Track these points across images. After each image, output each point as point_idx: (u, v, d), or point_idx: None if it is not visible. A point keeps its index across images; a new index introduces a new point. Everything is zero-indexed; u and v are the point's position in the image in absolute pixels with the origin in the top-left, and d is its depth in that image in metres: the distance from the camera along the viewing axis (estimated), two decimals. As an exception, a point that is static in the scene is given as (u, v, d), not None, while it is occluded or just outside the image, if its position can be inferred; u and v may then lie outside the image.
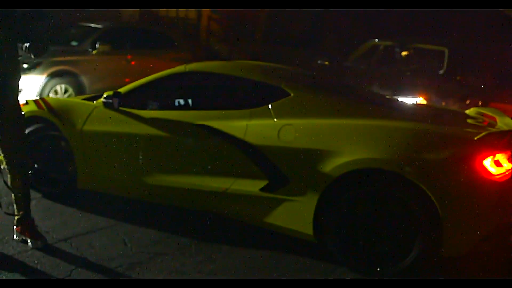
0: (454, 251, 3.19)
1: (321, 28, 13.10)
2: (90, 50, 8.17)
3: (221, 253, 3.54)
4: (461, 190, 3.11)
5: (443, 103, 6.80)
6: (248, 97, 3.98)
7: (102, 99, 4.14)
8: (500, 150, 3.14)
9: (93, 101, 4.36)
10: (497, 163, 3.12)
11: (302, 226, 3.44)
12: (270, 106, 3.67)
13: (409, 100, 6.32)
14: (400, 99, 5.94)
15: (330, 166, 3.30)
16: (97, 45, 8.14)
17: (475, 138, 3.16)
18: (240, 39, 13.86)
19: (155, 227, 3.92)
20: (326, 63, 8.18)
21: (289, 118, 3.57)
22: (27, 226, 3.51)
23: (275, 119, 3.60)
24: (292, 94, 3.71)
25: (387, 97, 4.70)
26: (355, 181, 3.31)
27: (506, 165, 3.15)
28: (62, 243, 3.57)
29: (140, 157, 3.98)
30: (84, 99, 4.61)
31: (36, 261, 3.31)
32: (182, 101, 4.39)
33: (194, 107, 4.29)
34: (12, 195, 3.52)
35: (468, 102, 6.79)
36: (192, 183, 3.80)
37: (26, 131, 4.28)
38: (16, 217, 3.52)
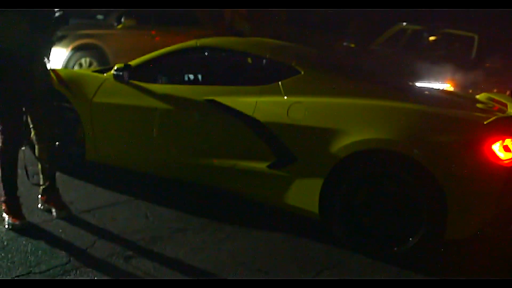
0: (458, 234, 3.19)
1: (346, 10, 12.89)
2: (115, 24, 8.18)
3: (241, 232, 3.55)
4: (469, 173, 3.10)
5: (470, 91, 6.67)
6: (259, 74, 3.98)
7: (112, 72, 4.13)
8: (510, 135, 3.13)
9: (103, 73, 4.36)
10: (506, 148, 3.11)
11: (308, 204, 3.44)
12: (280, 83, 3.66)
13: (436, 86, 6.22)
14: (427, 85, 5.86)
15: (338, 145, 3.30)
16: (122, 20, 8.14)
17: (485, 123, 3.15)
18: (265, 19, 13.72)
19: (177, 203, 3.95)
20: (352, 45, 8.08)
21: (298, 96, 3.57)
22: (52, 196, 3.57)
23: (285, 97, 3.59)
24: (302, 72, 3.70)
25: (398, 79, 4.65)
26: (362, 161, 3.31)
27: None
28: (85, 214, 3.62)
29: (148, 131, 3.98)
30: (95, 71, 4.62)
31: (60, 230, 3.36)
32: (192, 76, 4.40)
33: (204, 82, 4.30)
34: (39, 165, 3.59)
35: (495, 90, 6.66)
36: (200, 158, 3.81)
37: None
38: (41, 187, 3.59)
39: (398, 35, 8.18)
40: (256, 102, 3.62)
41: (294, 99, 3.55)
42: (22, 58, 3.24)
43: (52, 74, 4.39)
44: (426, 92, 4.15)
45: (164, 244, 3.30)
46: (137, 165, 4.15)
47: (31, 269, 2.91)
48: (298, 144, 3.46)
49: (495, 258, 3.41)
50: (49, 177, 3.57)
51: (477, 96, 4.16)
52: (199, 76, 4.36)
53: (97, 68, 4.98)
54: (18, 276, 2.83)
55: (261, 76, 3.90)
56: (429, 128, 3.26)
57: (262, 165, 3.57)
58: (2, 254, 3.02)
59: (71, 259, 3.04)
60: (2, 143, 3.30)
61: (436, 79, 6.28)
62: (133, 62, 4.21)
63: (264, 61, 3.93)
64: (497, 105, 3.80)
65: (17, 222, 3.32)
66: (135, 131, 4.07)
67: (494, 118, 3.20)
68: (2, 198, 3.40)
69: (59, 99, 4.20)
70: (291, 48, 4.54)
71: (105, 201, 3.87)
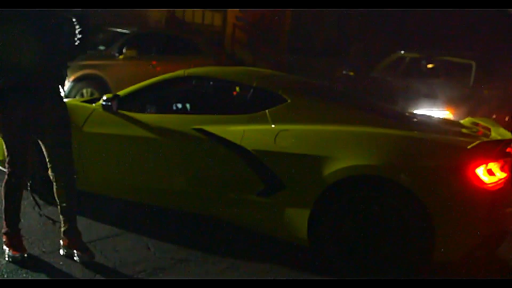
0: (446, 257, 3.22)
1: (345, 38, 13.08)
2: (116, 54, 8.28)
3: (243, 262, 3.53)
4: (454, 197, 3.17)
5: (469, 117, 6.71)
6: (246, 102, 4.03)
7: (101, 102, 4.16)
8: (493, 159, 3.19)
9: (92, 103, 4.39)
10: (490, 172, 3.17)
11: (297, 231, 3.46)
12: (267, 111, 3.71)
13: (435, 113, 6.26)
14: (426, 112, 5.90)
15: (326, 172, 3.33)
16: (123, 50, 8.25)
17: (469, 147, 3.22)
18: (265, 47, 13.90)
19: (177, 233, 3.94)
20: (351, 73, 8.15)
21: (286, 124, 3.62)
22: (73, 239, 3.36)
23: (272, 125, 3.63)
24: (289, 100, 3.75)
25: (384, 105, 4.73)
26: (349, 187, 3.34)
27: (499, 174, 3.20)
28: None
29: (137, 160, 4.01)
30: (83, 101, 4.64)
31: (61, 262, 3.34)
32: (180, 105, 4.45)
33: (192, 112, 4.35)
34: (58, 205, 3.37)
35: (494, 116, 6.70)
36: (188, 186, 3.84)
37: None
38: (62, 230, 3.39)
39: (397, 63, 8.27)
40: (244, 130, 3.65)
41: (281, 127, 3.60)
42: (29, 82, 3.09)
43: None
44: (412, 118, 4.22)
45: (166, 276, 3.28)
46: (126, 194, 4.15)
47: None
48: (286, 171, 3.49)
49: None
50: (69, 218, 3.35)
51: (462, 121, 4.25)
52: (187, 105, 4.41)
53: (86, 99, 5.00)
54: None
55: (248, 104, 3.96)
56: (414, 154, 3.33)
57: (250, 193, 3.59)
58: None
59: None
60: (8, 175, 3.23)
61: (435, 107, 6.32)
62: (121, 92, 4.25)
63: (251, 90, 3.99)
64: (481, 129, 3.87)
65: (17, 255, 3.24)
66: (124, 161, 4.07)
67: (477, 142, 3.27)
68: (3, 230, 3.32)
69: None
70: (277, 76, 4.63)
71: (106, 232, 3.86)
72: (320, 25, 13.97)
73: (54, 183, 3.32)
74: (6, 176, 3.23)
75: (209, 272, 3.36)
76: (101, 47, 8.51)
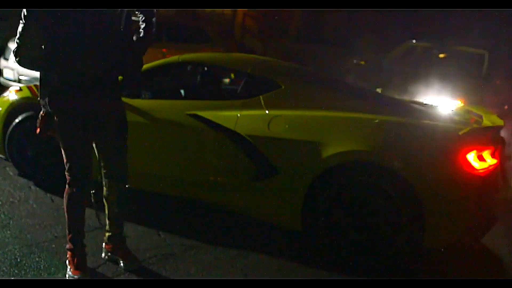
0: (435, 243, 3.26)
1: (356, 27, 12.97)
2: (127, 42, 8.26)
3: (253, 249, 3.54)
4: (445, 183, 3.18)
5: (481, 108, 6.65)
6: (240, 88, 4.03)
7: None
8: (484, 145, 3.22)
9: None
10: (481, 158, 3.19)
11: (290, 216, 3.49)
12: (261, 97, 3.72)
13: (446, 103, 6.21)
14: (437, 102, 5.85)
15: (319, 157, 3.36)
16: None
17: (460, 133, 3.28)
18: (275, 36, 13.83)
19: (188, 220, 3.96)
20: (362, 62, 8.10)
21: (279, 110, 3.62)
22: (119, 245, 3.20)
23: (266, 111, 3.64)
24: (283, 86, 3.76)
25: (377, 92, 4.72)
26: (342, 173, 3.36)
27: (489, 160, 3.22)
28: (97, 232, 3.61)
29: (131, 145, 3.99)
30: None
31: (73, 248, 3.37)
32: (175, 91, 4.44)
33: (186, 97, 4.34)
34: (106, 210, 3.20)
35: (506, 107, 6.64)
36: (182, 171, 3.84)
37: (19, 118, 4.31)
38: (107, 235, 3.23)
39: (408, 53, 8.20)
40: (238, 116, 3.66)
41: (275, 112, 3.61)
42: (86, 80, 2.80)
43: (34, 89, 4.27)
44: (405, 105, 4.23)
45: (176, 261, 3.30)
46: None
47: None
48: (279, 156, 3.51)
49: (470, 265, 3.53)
50: (117, 223, 3.18)
51: (455, 109, 4.29)
52: (182, 91, 4.42)
53: None
54: (31, 293, 2.84)
55: (242, 90, 3.97)
56: (406, 140, 3.34)
57: (244, 178, 3.61)
58: (16, 271, 3.04)
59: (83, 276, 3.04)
60: (69, 184, 2.95)
61: (447, 96, 6.27)
62: None
63: (245, 76, 4.01)
64: (473, 117, 3.91)
65: (77, 276, 2.93)
66: None
67: (468, 128, 3.33)
68: (67, 246, 3.02)
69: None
70: (271, 63, 4.65)
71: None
72: (331, 15, 13.86)
73: (105, 188, 3.12)
74: (66, 186, 2.96)
75: (219, 259, 3.37)
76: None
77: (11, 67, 7.66)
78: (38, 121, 2.95)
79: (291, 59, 12.84)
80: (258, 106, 3.69)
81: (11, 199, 4.10)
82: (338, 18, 13.91)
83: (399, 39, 8.72)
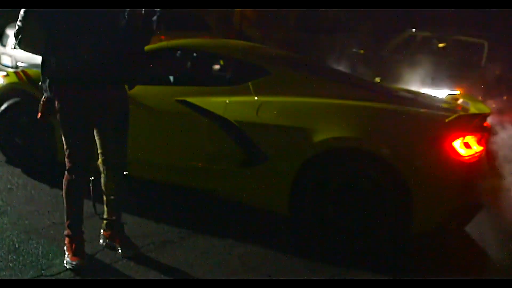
0: (423, 227, 3.30)
1: (355, 16, 12.91)
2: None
3: (250, 237, 3.54)
4: (432, 169, 3.23)
5: (479, 98, 6.63)
6: (229, 74, 4.04)
7: None
8: (470, 133, 3.26)
9: None
10: (467, 145, 3.24)
11: (278, 202, 3.52)
12: (250, 83, 3.72)
13: (445, 92, 6.20)
14: (436, 91, 5.84)
15: (308, 143, 3.38)
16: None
17: (446, 120, 3.29)
18: (273, 25, 13.76)
19: (186, 208, 3.97)
20: (361, 51, 8.08)
21: (268, 96, 3.64)
22: (117, 232, 3.19)
23: (255, 97, 3.64)
24: (271, 73, 3.78)
25: (366, 80, 4.76)
26: (331, 158, 3.40)
27: (475, 147, 3.27)
28: (94, 219, 3.60)
29: None
30: None
31: (70, 234, 3.37)
32: (163, 77, 4.42)
33: (175, 83, 4.33)
34: (104, 197, 3.19)
35: (505, 97, 6.63)
36: (171, 158, 3.85)
37: (6, 105, 4.30)
38: (104, 222, 3.23)
39: (408, 42, 8.18)
40: (227, 102, 3.66)
41: (263, 99, 3.62)
42: (91, 72, 2.79)
43: (21, 74, 4.24)
44: (393, 92, 4.25)
45: (174, 248, 3.31)
46: None
47: (42, 271, 2.93)
48: (268, 143, 3.53)
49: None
50: (115, 210, 3.17)
51: (443, 96, 4.33)
52: (171, 77, 4.41)
53: None
54: (29, 279, 2.85)
55: (231, 76, 3.98)
56: (394, 126, 3.37)
57: (233, 164, 3.62)
58: (14, 257, 3.04)
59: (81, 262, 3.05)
60: (68, 170, 2.93)
61: (445, 86, 6.26)
62: None
63: (234, 62, 4.01)
64: (460, 104, 3.96)
65: (75, 262, 2.93)
66: None
67: (455, 116, 3.34)
68: (65, 232, 3.03)
69: (27, 101, 4.17)
70: (260, 49, 4.65)
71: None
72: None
73: (104, 175, 3.13)
74: (66, 173, 2.95)
75: (216, 246, 3.38)
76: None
77: (9, 54, 7.62)
78: (40, 105, 2.94)
79: (290, 48, 12.79)
80: (247, 92, 3.69)
81: (9, 186, 4.10)
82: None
83: (399, 28, 8.69)
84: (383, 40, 8.63)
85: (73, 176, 2.92)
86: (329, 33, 11.81)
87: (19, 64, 7.43)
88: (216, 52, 4.29)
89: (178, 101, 3.77)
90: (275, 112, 3.53)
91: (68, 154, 2.90)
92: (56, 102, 2.86)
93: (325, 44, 10.53)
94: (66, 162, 2.93)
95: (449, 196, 3.26)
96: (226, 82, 3.93)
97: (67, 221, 3.02)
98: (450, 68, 6.57)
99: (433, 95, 4.55)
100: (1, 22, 8.02)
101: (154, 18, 2.92)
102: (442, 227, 3.40)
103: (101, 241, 3.25)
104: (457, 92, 6.34)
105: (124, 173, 3.13)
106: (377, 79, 5.07)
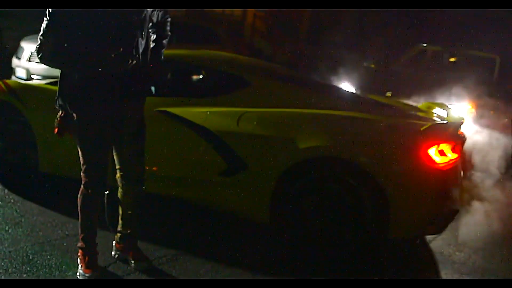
0: (401, 234, 3.41)
1: (366, 30, 12.95)
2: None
3: (261, 249, 3.56)
4: (408, 177, 3.31)
5: (492, 112, 6.62)
6: (210, 85, 4.08)
7: None
8: (445, 141, 3.35)
9: (57, 85, 4.34)
10: (441, 153, 3.32)
11: (259, 210, 3.57)
12: (231, 94, 3.80)
13: (456, 107, 6.19)
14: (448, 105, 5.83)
15: (287, 153, 3.44)
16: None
17: (422, 129, 3.37)
18: (284, 38, 13.84)
19: (197, 221, 3.98)
20: (372, 66, 8.10)
21: (248, 107, 3.68)
22: (131, 245, 3.19)
23: (235, 108, 3.68)
24: (252, 83, 3.84)
25: (345, 90, 4.83)
26: (310, 167, 3.44)
27: (450, 155, 3.36)
28: (106, 231, 3.64)
29: None
30: (48, 84, 4.53)
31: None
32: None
33: (156, 94, 4.29)
34: (120, 211, 3.18)
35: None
36: (152, 167, 3.84)
37: None
38: (118, 234, 3.23)
39: (419, 56, 8.19)
40: (208, 112, 3.70)
41: (244, 109, 3.66)
42: (110, 87, 2.77)
43: (1, 84, 4.21)
44: (371, 102, 4.30)
45: (186, 262, 3.32)
46: None
47: (55, 283, 2.95)
48: (248, 152, 3.57)
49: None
50: (131, 224, 3.17)
51: (419, 105, 4.42)
52: (152, 88, 4.40)
53: (51, 81, 4.87)
54: (43, 290, 2.87)
55: (212, 87, 4.02)
56: (371, 135, 3.44)
57: (213, 174, 3.66)
58: (28, 268, 3.07)
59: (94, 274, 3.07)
60: (84, 185, 2.93)
61: (457, 100, 6.26)
62: None
63: (215, 73, 4.06)
64: (436, 113, 4.03)
65: (88, 274, 2.94)
66: None
67: (430, 124, 3.42)
68: (79, 244, 3.03)
69: (9, 112, 4.18)
70: (241, 60, 4.71)
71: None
72: (341, 17, 13.85)
73: (121, 190, 3.12)
74: (81, 187, 2.95)
75: (227, 259, 3.38)
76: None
77: (24, 66, 7.73)
78: (56, 121, 2.96)
79: (300, 61, 12.84)
80: (227, 103, 3.74)
81: (22, 197, 4.13)
82: (348, 20, 13.89)
83: (410, 43, 8.70)
84: (394, 55, 8.65)
85: (89, 190, 2.93)
86: (340, 47, 11.86)
87: (34, 77, 7.54)
88: (197, 63, 4.29)
89: (159, 111, 3.81)
90: (255, 122, 3.58)
91: (85, 169, 2.91)
92: (74, 117, 2.86)
93: (336, 57, 10.57)
94: (82, 177, 2.93)
95: (425, 202, 3.34)
96: (207, 93, 3.97)
97: (81, 234, 3.03)
98: (461, 83, 6.56)
99: (410, 103, 4.69)
100: (17, 35, 8.15)
101: (165, 41, 2.95)
102: (418, 232, 3.54)
103: (113, 253, 3.27)
104: (468, 107, 6.35)
105: (143, 188, 3.14)
106: (388, 94, 5.08)
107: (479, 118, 6.26)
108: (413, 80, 7.01)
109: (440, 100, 6.11)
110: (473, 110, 6.31)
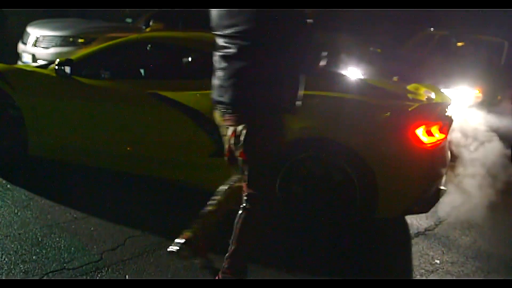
0: (388, 213, 3.48)
1: (373, 15, 12.84)
2: (143, 27, 8.30)
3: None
4: (396, 157, 3.35)
5: (499, 97, 6.58)
6: (200, 67, 4.04)
7: (54, 66, 4.10)
8: (432, 121, 3.39)
9: (46, 68, 4.34)
10: (429, 133, 3.36)
11: None
12: None
13: (463, 91, 6.16)
14: (454, 90, 5.81)
15: None
16: (150, 23, 8.25)
17: (409, 109, 3.41)
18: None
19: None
20: (379, 50, 8.04)
21: None
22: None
23: None
24: None
25: (332, 71, 4.77)
26: (298, 148, 3.46)
27: (438, 135, 3.39)
28: (116, 214, 3.67)
29: (92, 125, 4.03)
30: (38, 67, 4.54)
31: (92, 228, 3.45)
32: (135, 71, 4.42)
33: (146, 77, 4.36)
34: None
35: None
36: (143, 150, 3.90)
37: None
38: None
39: (426, 40, 8.13)
40: (198, 95, 3.71)
41: None
42: (292, 100, 2.73)
43: None
44: (360, 84, 4.30)
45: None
46: (81, 159, 4.16)
47: (64, 265, 2.99)
48: None
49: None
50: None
51: (408, 87, 4.39)
52: (142, 71, 4.42)
53: (40, 64, 4.84)
54: (52, 272, 2.91)
55: (202, 69, 3.92)
56: (360, 116, 3.45)
57: (204, 155, 3.69)
58: (37, 250, 3.11)
59: (103, 256, 3.12)
60: (249, 200, 2.69)
61: (465, 85, 6.22)
62: (74, 57, 4.23)
63: (205, 55, 3.97)
64: (424, 94, 4.05)
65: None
66: (79, 126, 4.08)
67: (417, 104, 3.47)
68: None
69: None
70: None
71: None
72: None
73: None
74: (245, 204, 2.73)
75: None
76: (128, 20, 8.54)
77: (30, 52, 7.74)
78: (227, 142, 2.83)
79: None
80: None
81: (31, 180, 4.17)
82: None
83: (417, 27, 8.63)
84: (401, 39, 8.59)
85: (257, 211, 2.71)
86: (346, 32, 11.78)
87: (39, 62, 7.54)
88: (187, 45, 4.27)
89: (149, 93, 3.82)
90: None
91: (252, 185, 2.70)
92: (251, 133, 2.64)
93: (342, 42, 10.50)
94: (246, 191, 2.72)
95: (413, 182, 3.39)
96: (197, 75, 3.91)
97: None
98: (469, 68, 6.52)
99: (398, 84, 4.68)
100: (23, 20, 8.14)
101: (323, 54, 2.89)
102: (406, 212, 3.60)
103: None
104: (475, 91, 6.32)
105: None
106: (395, 78, 5.06)
107: (486, 103, 6.23)
108: (420, 65, 6.96)
109: (447, 85, 6.09)
110: (480, 95, 6.27)
